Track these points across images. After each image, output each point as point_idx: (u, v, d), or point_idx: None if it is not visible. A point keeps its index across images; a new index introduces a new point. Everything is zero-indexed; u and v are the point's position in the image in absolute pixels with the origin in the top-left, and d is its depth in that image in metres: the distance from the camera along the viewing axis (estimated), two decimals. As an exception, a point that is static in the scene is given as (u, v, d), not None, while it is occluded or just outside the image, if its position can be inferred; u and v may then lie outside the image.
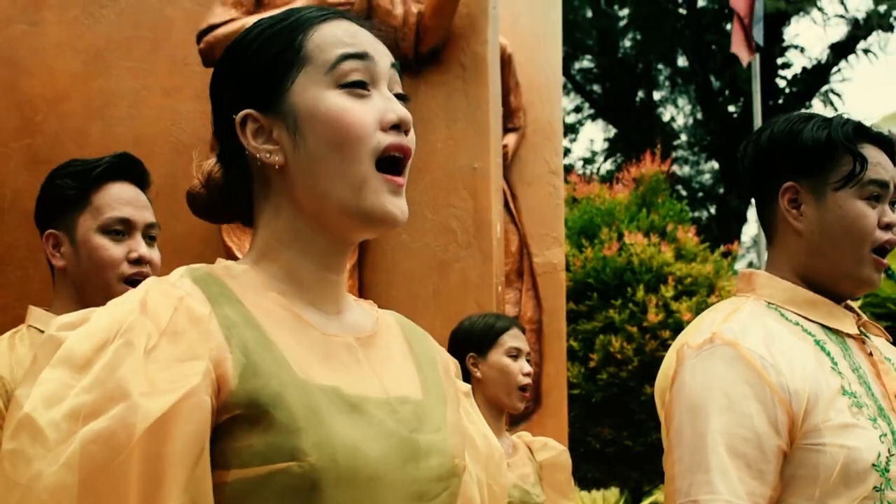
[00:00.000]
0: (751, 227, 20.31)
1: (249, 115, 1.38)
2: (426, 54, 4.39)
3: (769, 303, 2.09)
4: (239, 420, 1.23)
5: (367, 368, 1.38)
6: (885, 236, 2.06)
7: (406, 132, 1.38)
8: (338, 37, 1.38)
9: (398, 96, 1.41)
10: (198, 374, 1.20)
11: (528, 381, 3.49)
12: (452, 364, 1.60)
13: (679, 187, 20.66)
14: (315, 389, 1.28)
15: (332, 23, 1.40)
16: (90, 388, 1.18)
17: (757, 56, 12.03)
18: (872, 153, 2.08)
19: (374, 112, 1.36)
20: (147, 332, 1.22)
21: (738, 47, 11.70)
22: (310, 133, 1.34)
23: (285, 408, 1.23)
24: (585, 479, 8.85)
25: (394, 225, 1.38)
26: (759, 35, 11.62)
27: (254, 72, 1.39)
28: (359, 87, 1.36)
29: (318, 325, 1.37)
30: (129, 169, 2.50)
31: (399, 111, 1.37)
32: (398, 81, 1.43)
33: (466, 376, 3.43)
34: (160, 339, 1.22)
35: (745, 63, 12.11)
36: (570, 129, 21.93)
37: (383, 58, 1.41)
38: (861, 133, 2.10)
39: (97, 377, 1.18)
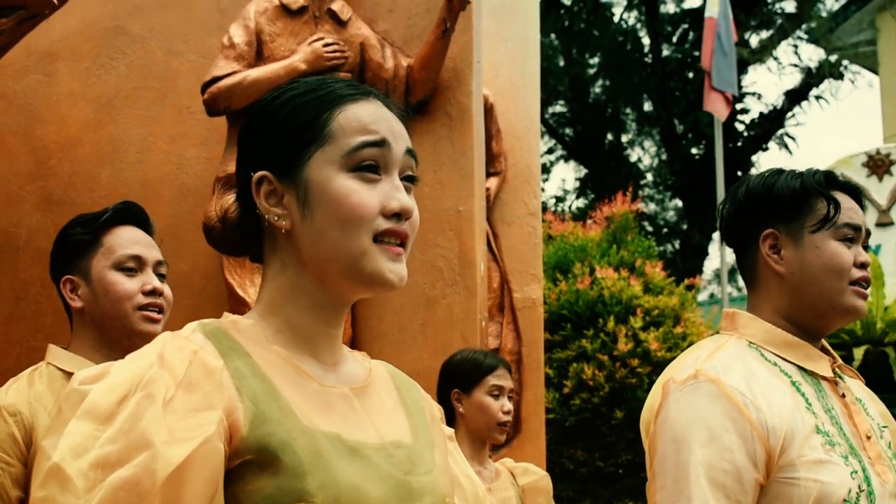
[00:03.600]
0: (712, 262, 20.38)
1: (265, 177, 1.39)
2: (415, 105, 4.42)
3: (750, 342, 2.10)
4: (250, 464, 1.24)
5: (363, 416, 1.40)
6: (859, 273, 2.08)
7: (406, 219, 1.38)
8: (361, 121, 1.38)
9: (409, 178, 1.42)
10: (212, 422, 1.22)
11: (507, 418, 3.48)
12: (437, 410, 1.62)
13: (645, 223, 20.71)
14: (319, 436, 1.29)
15: (359, 103, 1.40)
16: (115, 439, 1.19)
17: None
18: (843, 199, 2.12)
19: (379, 197, 1.36)
20: (165, 385, 1.23)
21: (711, 104, 11.22)
22: (317, 208, 1.35)
23: (292, 453, 1.25)
24: (560, 497, 8.76)
25: (391, 289, 1.39)
26: (732, 84, 11.25)
27: (277, 138, 1.40)
28: (370, 172, 1.37)
29: (317, 377, 1.38)
30: (134, 214, 2.52)
31: (402, 200, 1.37)
32: (412, 165, 1.43)
33: (451, 409, 3.43)
34: (177, 390, 1.24)
35: (722, 118, 11.54)
36: (544, 169, 21.92)
37: (400, 143, 1.41)
38: (831, 181, 2.14)
39: (121, 428, 1.19)
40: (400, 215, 1.37)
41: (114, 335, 2.43)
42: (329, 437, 1.30)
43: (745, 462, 1.88)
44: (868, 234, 2.15)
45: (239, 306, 3.97)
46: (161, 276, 2.49)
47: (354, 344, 4.16)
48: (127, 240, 2.46)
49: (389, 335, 4.32)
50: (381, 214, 1.36)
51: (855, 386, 2.19)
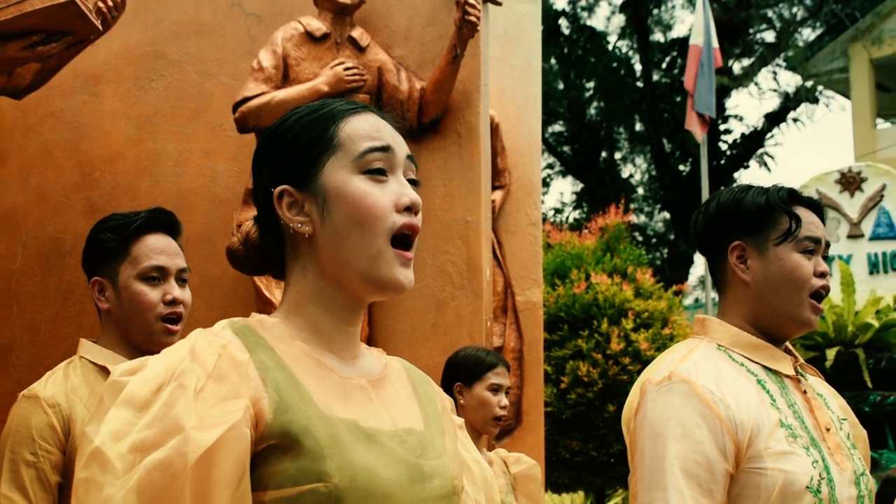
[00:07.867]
0: (697, 269, 20.33)
1: (286, 190, 1.40)
2: (427, 124, 4.41)
3: (719, 345, 2.11)
4: (274, 448, 1.25)
5: (378, 405, 1.40)
6: (819, 283, 2.10)
7: (416, 213, 1.40)
8: (365, 130, 1.41)
9: (411, 181, 1.44)
10: (239, 410, 1.23)
11: (503, 412, 3.49)
12: (448, 402, 1.62)
13: (636, 233, 20.68)
14: (337, 422, 1.30)
15: (360, 116, 1.43)
16: (150, 425, 1.20)
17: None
18: (805, 214, 2.13)
19: (391, 196, 1.39)
20: (196, 376, 1.24)
21: (691, 125, 11.16)
22: (336, 210, 1.37)
23: (312, 438, 1.26)
24: (556, 484, 8.80)
25: (401, 291, 1.41)
26: (710, 108, 11.20)
27: (292, 154, 1.41)
28: (379, 174, 1.39)
29: (337, 370, 1.39)
30: (162, 221, 2.49)
31: (412, 196, 1.40)
32: (412, 168, 1.46)
33: (453, 401, 3.43)
34: (207, 381, 1.25)
35: (699, 138, 11.45)
36: (544, 184, 21.92)
37: (401, 149, 1.44)
38: (794, 197, 2.15)
39: (156, 415, 1.20)
40: (410, 208, 1.39)
41: (135, 338, 2.43)
42: (346, 423, 1.31)
43: (715, 454, 1.90)
44: (828, 245, 2.17)
45: (265, 306, 3.97)
46: (182, 282, 2.47)
47: (371, 342, 4.16)
48: (152, 249, 2.43)
49: (403, 334, 4.31)
50: (395, 210, 1.38)
51: (816, 383, 2.21)
